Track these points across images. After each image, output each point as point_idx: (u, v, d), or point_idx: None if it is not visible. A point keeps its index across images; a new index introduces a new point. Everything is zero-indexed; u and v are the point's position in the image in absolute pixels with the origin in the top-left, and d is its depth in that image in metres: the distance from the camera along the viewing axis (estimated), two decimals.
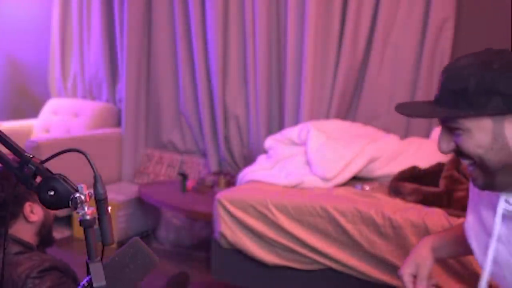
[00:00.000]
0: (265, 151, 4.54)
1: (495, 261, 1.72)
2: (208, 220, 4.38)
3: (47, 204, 1.26)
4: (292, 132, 4.41)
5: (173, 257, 4.90)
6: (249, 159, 5.20)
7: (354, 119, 4.85)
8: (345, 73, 4.75)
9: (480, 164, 1.57)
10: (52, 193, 1.24)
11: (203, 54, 5.38)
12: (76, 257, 4.64)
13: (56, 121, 6.15)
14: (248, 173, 4.23)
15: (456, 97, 1.53)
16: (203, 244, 4.98)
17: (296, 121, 4.89)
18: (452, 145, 1.61)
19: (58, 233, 5.29)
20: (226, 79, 5.34)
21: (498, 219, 1.67)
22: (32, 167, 1.28)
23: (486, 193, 1.72)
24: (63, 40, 6.46)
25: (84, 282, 1.22)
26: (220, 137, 5.42)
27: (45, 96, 6.61)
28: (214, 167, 5.50)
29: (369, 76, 4.77)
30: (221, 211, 3.76)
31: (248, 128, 5.32)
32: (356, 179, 4.10)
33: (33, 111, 6.58)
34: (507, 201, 1.64)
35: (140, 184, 5.43)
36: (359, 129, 4.50)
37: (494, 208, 1.70)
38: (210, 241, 4.15)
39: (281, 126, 5.07)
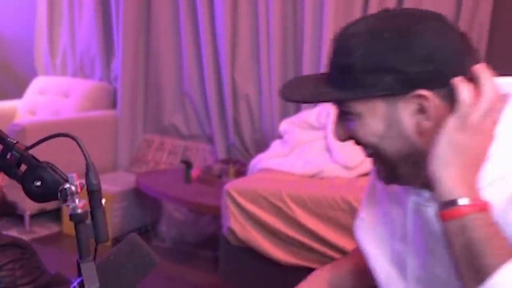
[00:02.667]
0: (279, 136, 4.54)
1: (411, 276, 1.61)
2: (215, 214, 4.39)
3: (33, 195, 1.26)
4: (310, 115, 4.41)
5: (176, 255, 4.91)
6: (262, 145, 5.19)
7: None
8: None
9: (377, 154, 1.47)
10: (38, 183, 1.24)
11: (209, 25, 5.37)
12: (65, 256, 4.66)
13: (43, 102, 6.16)
14: (261, 161, 4.24)
15: (343, 75, 1.41)
16: (209, 241, 4.99)
17: None
18: (346, 133, 1.49)
19: (46, 229, 5.32)
20: (235, 54, 5.33)
21: (409, 216, 1.56)
22: (16, 154, 1.28)
23: (394, 187, 1.62)
24: (50, 11, 6.46)
25: (75, 284, 1.22)
26: (228, 120, 5.42)
27: (31, 74, 6.62)
28: (222, 154, 5.50)
29: None
30: (230, 204, 3.77)
31: (261, 110, 5.31)
32: None
33: (17, 91, 6.59)
34: (417, 194, 1.53)
35: (138, 174, 5.45)
36: None
37: (401, 205, 1.61)
38: (218, 238, 4.17)
39: (297, 108, 5.05)
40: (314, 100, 1.53)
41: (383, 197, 1.69)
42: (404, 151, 1.42)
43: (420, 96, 1.36)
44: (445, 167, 1.32)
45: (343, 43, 1.42)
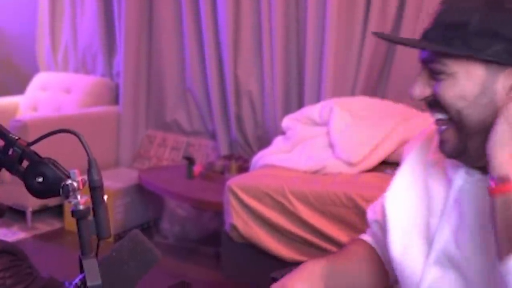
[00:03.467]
0: (282, 132, 4.53)
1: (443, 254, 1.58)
2: (217, 211, 4.39)
3: (35, 192, 1.25)
4: (313, 111, 4.40)
5: (178, 252, 4.91)
6: (264, 141, 5.19)
7: (383, 96, 4.83)
8: (372, 44, 4.73)
9: (457, 120, 1.45)
10: (40, 179, 1.24)
11: (211, 22, 5.37)
12: (67, 252, 4.67)
13: (45, 98, 6.16)
14: (263, 157, 4.24)
15: (451, 33, 1.41)
16: (211, 238, 4.99)
17: (317, 98, 4.88)
18: (428, 91, 1.48)
19: (48, 225, 5.32)
20: (237, 50, 5.33)
21: (453, 191, 1.55)
22: (18, 150, 1.28)
23: (434, 162, 1.64)
24: (52, 6, 6.46)
25: (76, 280, 1.22)
26: (231, 116, 5.42)
27: (33, 70, 6.62)
28: (224, 150, 5.50)
29: (400, 47, 4.74)
30: (232, 200, 3.77)
31: (263, 105, 5.31)
32: (386, 164, 4.09)
33: (19, 87, 6.59)
34: (467, 173, 1.53)
35: (140, 170, 5.45)
36: (388, 107, 4.48)
37: (446, 181, 1.60)
38: (220, 234, 4.17)
39: (300, 104, 5.06)
40: (421, 45, 1.48)
41: (424, 173, 1.69)
42: (486, 123, 1.41)
43: None
44: (502, 146, 1.35)
45: (459, 5, 1.42)
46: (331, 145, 4.13)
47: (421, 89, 1.48)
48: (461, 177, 1.54)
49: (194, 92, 5.66)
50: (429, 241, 1.60)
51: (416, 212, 1.66)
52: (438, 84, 1.44)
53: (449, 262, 1.56)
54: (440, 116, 1.49)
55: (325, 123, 4.28)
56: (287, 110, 5.06)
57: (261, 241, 3.73)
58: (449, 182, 1.58)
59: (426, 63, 1.47)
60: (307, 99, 4.94)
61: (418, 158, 1.73)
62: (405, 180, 1.74)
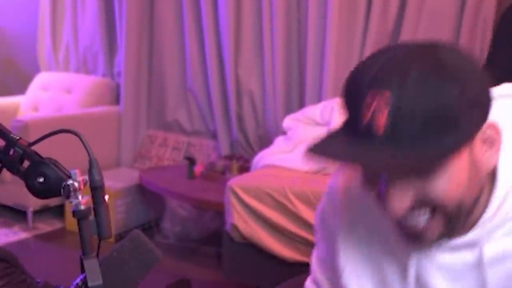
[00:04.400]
0: (283, 132, 4.53)
1: None
2: (218, 211, 4.39)
3: (36, 192, 1.25)
4: (314, 111, 4.40)
5: (179, 252, 4.92)
6: (265, 141, 5.19)
7: None
8: (374, 44, 4.73)
9: (453, 210, 1.25)
10: (41, 179, 1.24)
11: (212, 21, 5.37)
12: (68, 252, 4.67)
13: (46, 98, 6.16)
14: (264, 157, 4.24)
15: (435, 123, 1.14)
16: (212, 238, 5.00)
17: (318, 98, 4.88)
18: (410, 199, 1.23)
19: (49, 225, 5.32)
20: (239, 50, 5.33)
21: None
22: (19, 150, 1.28)
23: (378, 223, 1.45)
24: (53, 6, 6.46)
25: (77, 280, 1.22)
26: (232, 116, 5.42)
27: (34, 70, 6.62)
28: (225, 150, 5.50)
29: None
30: (233, 200, 3.77)
31: (264, 105, 5.31)
32: None
33: (20, 87, 6.60)
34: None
35: (141, 170, 5.45)
36: None
37: (398, 253, 1.43)
38: (221, 234, 4.17)
39: (301, 104, 5.06)
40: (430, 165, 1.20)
41: (371, 235, 1.51)
42: (477, 195, 1.30)
43: (491, 126, 1.26)
44: None
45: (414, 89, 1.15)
46: None
47: (402, 202, 1.24)
48: (416, 252, 1.39)
49: (195, 92, 5.67)
50: None
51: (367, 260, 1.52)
52: (426, 184, 1.22)
53: None
54: (421, 218, 1.27)
55: (327, 123, 4.28)
56: (288, 110, 5.06)
57: (262, 241, 3.74)
58: (401, 256, 1.44)
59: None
60: (308, 99, 4.94)
61: (357, 210, 1.52)
62: (355, 247, 1.54)
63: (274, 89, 5.13)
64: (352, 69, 1.28)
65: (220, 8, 5.27)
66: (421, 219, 1.27)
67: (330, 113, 4.26)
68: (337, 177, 1.60)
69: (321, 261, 1.69)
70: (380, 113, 1.15)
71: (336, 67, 4.77)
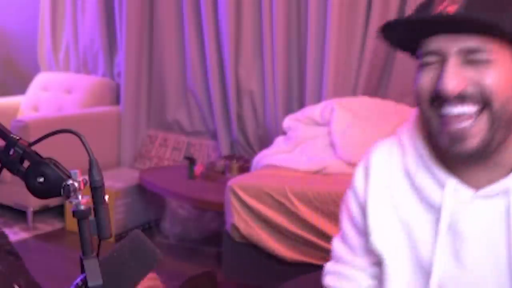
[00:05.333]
0: (283, 132, 4.53)
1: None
2: (218, 211, 4.39)
3: (36, 192, 1.25)
4: (314, 111, 4.40)
5: (179, 252, 4.91)
6: (265, 141, 5.19)
7: (384, 96, 4.83)
8: (374, 44, 4.73)
9: (497, 111, 1.33)
10: (41, 179, 1.24)
11: (212, 21, 5.36)
12: (68, 252, 4.66)
13: (46, 98, 6.16)
14: (264, 157, 4.24)
15: (496, 8, 1.28)
16: (213, 238, 4.99)
17: (318, 98, 4.88)
18: (463, 83, 1.33)
19: (49, 225, 5.32)
20: (239, 49, 5.33)
21: (444, 217, 1.44)
22: (19, 151, 1.28)
23: (409, 179, 1.52)
24: (53, 6, 6.45)
25: (78, 280, 1.22)
26: (232, 116, 5.42)
27: (34, 70, 6.63)
28: (225, 150, 5.50)
29: None
30: (233, 200, 3.76)
31: (264, 105, 5.31)
32: None
33: (20, 87, 6.60)
34: (456, 190, 1.43)
35: (141, 170, 5.45)
36: (390, 107, 4.48)
37: (428, 205, 1.49)
38: (221, 235, 4.17)
39: (301, 104, 5.05)
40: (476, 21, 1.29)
41: (399, 192, 1.56)
42: None
43: None
44: None
45: None
46: (332, 145, 4.13)
47: (457, 81, 1.33)
48: (450, 199, 1.44)
49: (195, 92, 5.66)
50: (424, 274, 1.51)
51: (399, 244, 1.56)
52: (481, 73, 1.32)
53: None
54: (469, 109, 1.35)
55: (326, 123, 4.28)
56: (288, 110, 5.06)
57: (262, 241, 3.73)
58: (432, 206, 1.48)
59: (459, 53, 1.33)
60: (308, 99, 4.94)
61: (389, 171, 1.60)
62: (381, 205, 1.61)
63: (274, 89, 5.13)
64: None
65: (220, 8, 5.27)
66: (467, 122, 1.34)
67: (330, 113, 4.26)
68: (369, 158, 1.69)
69: (345, 240, 1.76)
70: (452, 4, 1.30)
71: (336, 67, 4.77)
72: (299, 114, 4.48)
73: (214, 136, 5.67)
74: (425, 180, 1.49)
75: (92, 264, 1.20)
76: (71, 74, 6.38)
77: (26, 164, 1.27)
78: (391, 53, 4.81)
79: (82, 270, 1.21)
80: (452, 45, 1.32)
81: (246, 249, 3.84)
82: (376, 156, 1.65)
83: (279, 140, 4.46)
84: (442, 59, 1.35)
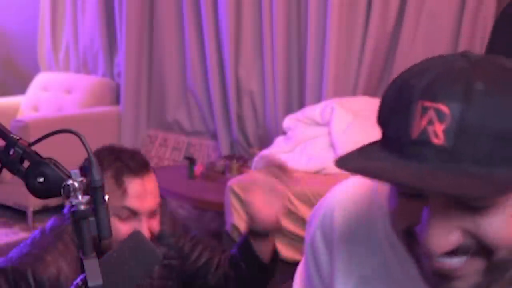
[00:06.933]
0: (283, 132, 4.53)
1: None
2: (218, 211, 4.39)
3: (36, 192, 1.25)
4: (314, 111, 4.40)
5: None
6: (265, 141, 5.19)
7: None
8: (374, 44, 4.73)
9: (500, 259, 0.98)
10: (41, 179, 1.24)
11: (212, 21, 5.37)
12: None
13: (46, 98, 6.16)
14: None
15: (505, 146, 0.91)
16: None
17: (318, 98, 4.88)
18: (455, 238, 0.97)
19: None
20: (239, 50, 5.33)
21: None
22: (19, 151, 1.27)
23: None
24: (53, 6, 6.46)
25: (78, 280, 1.22)
26: (232, 116, 5.42)
27: (34, 70, 6.62)
28: (225, 150, 5.50)
29: (401, 47, 4.74)
30: (233, 200, 3.77)
31: (264, 106, 5.31)
32: None
33: (20, 87, 6.59)
34: None
35: None
36: None
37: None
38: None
39: (301, 104, 5.06)
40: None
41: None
42: None
43: None
44: None
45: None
46: (332, 145, 4.13)
47: (446, 238, 0.98)
48: None
49: (195, 92, 5.66)
50: None
51: None
52: (479, 219, 0.97)
53: None
54: (461, 259, 1.00)
55: (326, 123, 4.28)
56: (288, 110, 5.06)
57: None
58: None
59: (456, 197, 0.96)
60: (308, 99, 4.94)
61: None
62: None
63: (274, 89, 5.13)
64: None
65: (220, 8, 5.27)
66: (457, 259, 1.00)
67: (330, 113, 4.26)
68: (334, 200, 1.42)
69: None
70: (434, 129, 0.95)
71: (336, 67, 4.77)
72: (299, 114, 4.48)
73: (214, 136, 5.67)
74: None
75: (92, 264, 1.20)
76: (71, 74, 6.38)
77: (26, 164, 1.27)
78: (391, 53, 4.82)
79: (82, 270, 1.21)
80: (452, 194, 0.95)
81: None
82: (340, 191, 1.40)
83: (279, 140, 4.46)
84: (425, 195, 1.00)
